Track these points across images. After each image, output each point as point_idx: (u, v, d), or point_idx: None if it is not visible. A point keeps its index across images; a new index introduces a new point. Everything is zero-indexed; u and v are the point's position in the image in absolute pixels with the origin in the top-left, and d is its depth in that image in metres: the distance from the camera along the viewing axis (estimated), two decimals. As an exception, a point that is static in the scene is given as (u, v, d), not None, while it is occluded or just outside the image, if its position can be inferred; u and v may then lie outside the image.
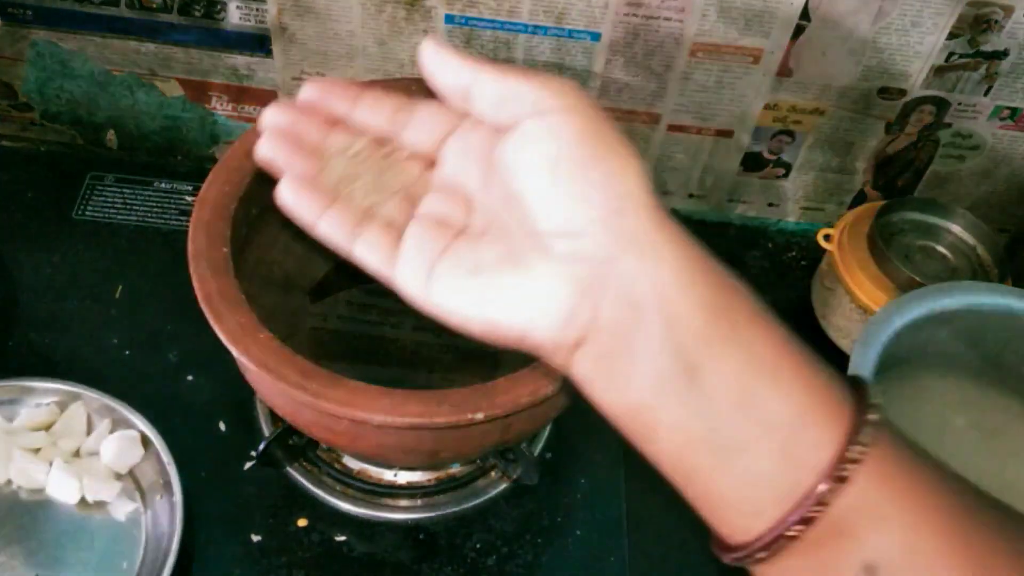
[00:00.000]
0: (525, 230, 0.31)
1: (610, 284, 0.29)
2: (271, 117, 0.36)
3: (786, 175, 0.72)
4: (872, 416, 0.28)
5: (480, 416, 0.40)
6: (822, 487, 0.27)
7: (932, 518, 0.28)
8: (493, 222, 0.33)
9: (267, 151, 0.36)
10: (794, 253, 0.74)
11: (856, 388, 0.30)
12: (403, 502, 0.56)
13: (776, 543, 0.28)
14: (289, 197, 0.36)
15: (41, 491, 0.54)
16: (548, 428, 0.59)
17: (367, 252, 0.35)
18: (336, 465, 0.56)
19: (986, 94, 0.64)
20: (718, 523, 0.30)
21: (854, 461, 0.27)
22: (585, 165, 0.30)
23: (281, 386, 0.40)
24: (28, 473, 0.53)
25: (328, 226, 0.35)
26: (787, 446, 0.28)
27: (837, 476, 0.27)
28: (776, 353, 0.29)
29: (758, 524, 0.29)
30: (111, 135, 0.74)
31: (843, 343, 0.65)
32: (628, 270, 0.29)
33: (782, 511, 0.28)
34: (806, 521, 0.28)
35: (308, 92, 0.37)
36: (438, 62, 0.33)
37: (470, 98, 0.33)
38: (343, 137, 0.37)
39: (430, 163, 0.37)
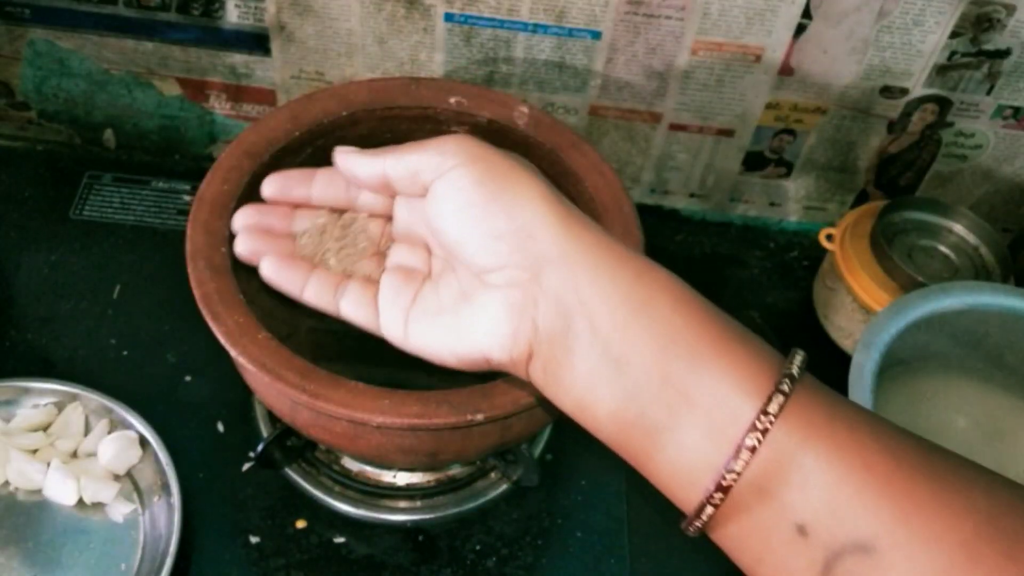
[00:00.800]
0: (466, 270, 0.36)
1: (540, 300, 0.33)
2: (241, 219, 0.42)
3: (788, 174, 0.71)
4: (784, 386, 0.30)
5: (480, 417, 0.40)
6: (736, 454, 0.29)
7: (854, 471, 0.29)
8: (447, 263, 0.38)
9: (245, 246, 0.42)
10: (796, 253, 0.74)
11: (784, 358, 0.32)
12: (402, 503, 0.55)
13: (705, 511, 0.31)
14: (272, 272, 0.41)
15: (38, 492, 0.53)
16: (548, 430, 0.59)
17: (352, 310, 0.40)
18: (335, 466, 0.56)
19: (988, 93, 0.64)
20: (671, 498, 0.33)
21: (764, 430, 0.29)
22: (487, 207, 0.34)
23: (279, 387, 0.40)
24: (25, 474, 0.53)
25: (313, 293, 0.40)
26: (709, 420, 0.30)
27: (747, 445, 0.29)
28: (695, 334, 0.31)
29: (695, 495, 0.31)
30: (109, 134, 0.73)
31: (845, 343, 0.65)
32: (551, 285, 0.33)
33: (711, 481, 0.30)
34: (724, 488, 0.30)
35: (269, 188, 0.43)
36: (351, 163, 0.39)
37: (389, 183, 0.38)
38: (306, 216, 0.43)
39: (389, 218, 0.42)
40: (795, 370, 0.31)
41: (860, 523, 0.28)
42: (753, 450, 0.29)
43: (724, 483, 0.30)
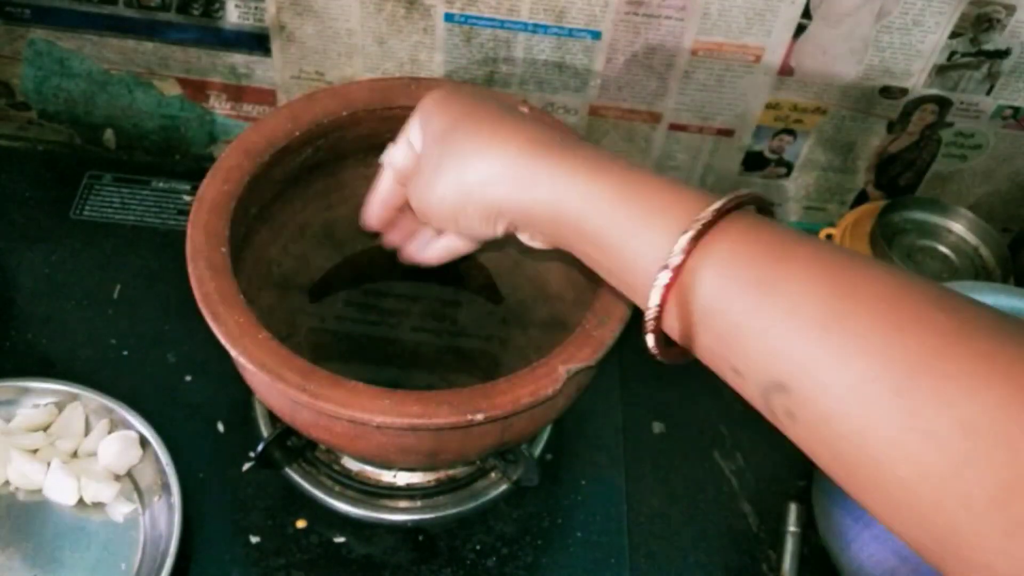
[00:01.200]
0: None
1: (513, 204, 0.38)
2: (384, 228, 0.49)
3: (788, 174, 0.71)
4: (688, 233, 0.31)
5: (480, 417, 0.40)
6: (649, 304, 0.32)
7: (757, 315, 0.30)
8: None
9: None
10: (795, 253, 0.74)
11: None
12: (402, 503, 0.55)
13: (652, 349, 0.33)
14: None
15: (39, 492, 0.53)
16: (548, 429, 0.59)
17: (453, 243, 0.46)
18: (335, 466, 0.56)
19: (988, 93, 0.64)
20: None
21: (667, 280, 0.31)
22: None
23: (280, 386, 0.40)
24: (26, 474, 0.53)
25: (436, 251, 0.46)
26: (643, 275, 0.33)
27: (652, 304, 0.32)
28: (641, 204, 0.34)
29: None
30: (109, 134, 0.73)
31: (844, 343, 0.65)
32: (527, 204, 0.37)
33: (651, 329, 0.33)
34: (653, 328, 0.32)
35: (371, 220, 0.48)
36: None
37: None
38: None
39: None
40: (702, 221, 0.31)
41: (771, 367, 0.29)
42: (660, 300, 0.31)
43: (650, 322, 0.32)
